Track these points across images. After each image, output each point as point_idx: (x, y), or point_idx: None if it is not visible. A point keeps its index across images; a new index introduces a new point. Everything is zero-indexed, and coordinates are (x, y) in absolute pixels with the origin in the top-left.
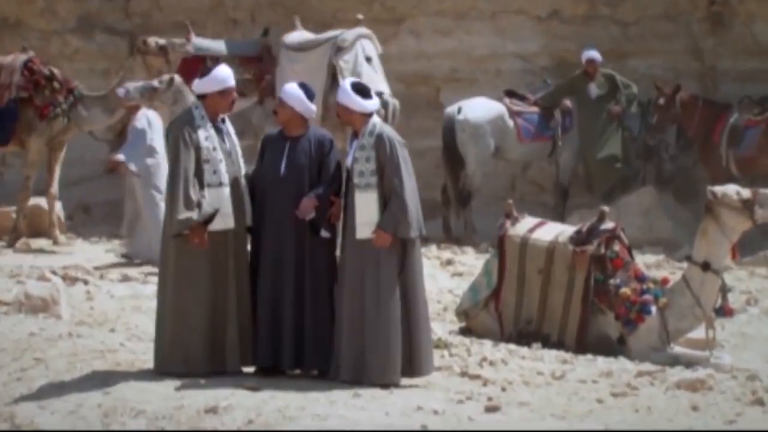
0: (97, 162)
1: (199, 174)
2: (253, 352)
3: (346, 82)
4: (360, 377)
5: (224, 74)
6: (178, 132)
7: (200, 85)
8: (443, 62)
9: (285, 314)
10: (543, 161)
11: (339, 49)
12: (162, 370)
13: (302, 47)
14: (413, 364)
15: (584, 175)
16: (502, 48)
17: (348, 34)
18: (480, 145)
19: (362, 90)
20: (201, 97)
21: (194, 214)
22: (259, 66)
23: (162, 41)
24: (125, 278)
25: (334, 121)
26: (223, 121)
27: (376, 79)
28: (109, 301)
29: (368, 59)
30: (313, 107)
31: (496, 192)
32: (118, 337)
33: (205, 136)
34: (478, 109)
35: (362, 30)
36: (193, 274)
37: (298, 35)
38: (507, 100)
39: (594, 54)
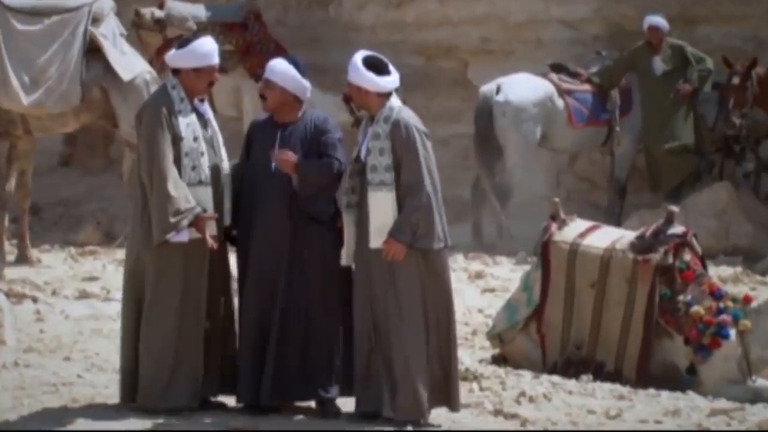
0: (48, 153)
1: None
2: (237, 385)
3: (356, 57)
4: (381, 411)
5: (205, 49)
6: (155, 118)
7: (175, 57)
8: (472, 30)
9: (288, 338)
10: (594, 151)
11: (95, 20)
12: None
13: (37, 11)
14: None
15: (647, 168)
16: (545, 12)
17: (103, 3)
18: (524, 132)
19: (376, 65)
20: (175, 72)
21: (195, 206)
22: (243, 35)
23: (160, 13)
24: (83, 295)
25: (95, 104)
26: (202, 101)
27: (137, 59)
28: (64, 323)
29: (122, 35)
30: (308, 84)
31: (536, 189)
32: (74, 367)
33: (186, 123)
34: (522, 88)
35: (111, 1)
36: (168, 291)
37: None
38: (554, 76)
39: (658, 21)
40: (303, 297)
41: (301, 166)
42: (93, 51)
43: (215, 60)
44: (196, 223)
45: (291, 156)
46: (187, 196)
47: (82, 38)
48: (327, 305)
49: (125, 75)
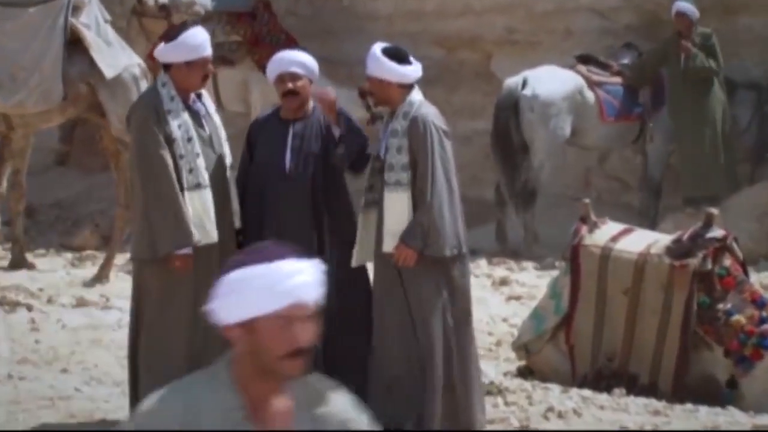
0: (44, 151)
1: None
2: None
3: (375, 48)
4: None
5: (196, 40)
6: (144, 119)
7: (165, 51)
8: (496, 20)
9: (318, 354)
10: (626, 149)
11: (75, 8)
12: None
13: (14, 2)
14: (458, 417)
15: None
16: (573, 1)
17: None
18: (552, 127)
19: (396, 54)
20: (166, 67)
21: (195, 233)
22: (251, 25)
23: None
24: (81, 302)
25: (80, 99)
26: (199, 97)
27: (124, 50)
28: (61, 333)
29: (107, 21)
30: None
31: (564, 189)
32: (72, 380)
33: (178, 123)
34: (550, 81)
35: None
36: (176, 308)
37: None
38: (583, 68)
39: (686, 6)
40: (331, 309)
41: (342, 116)
42: (76, 43)
43: (208, 51)
44: (171, 259)
45: (331, 93)
46: (177, 214)
47: (62, 31)
48: (353, 314)
49: (109, 72)
